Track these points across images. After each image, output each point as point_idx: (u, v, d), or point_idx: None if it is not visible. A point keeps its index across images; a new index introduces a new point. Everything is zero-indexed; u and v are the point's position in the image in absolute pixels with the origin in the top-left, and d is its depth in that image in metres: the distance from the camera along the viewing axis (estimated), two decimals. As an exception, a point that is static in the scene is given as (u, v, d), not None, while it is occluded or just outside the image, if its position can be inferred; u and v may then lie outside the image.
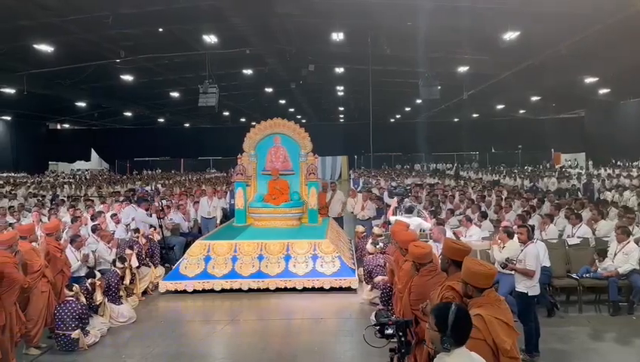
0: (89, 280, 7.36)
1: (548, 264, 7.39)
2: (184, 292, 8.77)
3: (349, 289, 8.70)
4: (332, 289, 8.68)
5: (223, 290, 8.74)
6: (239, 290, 8.71)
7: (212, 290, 8.75)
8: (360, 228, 10.91)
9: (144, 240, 9.77)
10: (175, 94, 30.22)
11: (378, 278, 8.08)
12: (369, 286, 8.44)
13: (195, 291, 8.76)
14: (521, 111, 40.55)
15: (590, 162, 33.40)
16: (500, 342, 3.03)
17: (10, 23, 14.83)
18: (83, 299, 6.94)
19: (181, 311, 8.18)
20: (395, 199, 11.82)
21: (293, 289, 8.69)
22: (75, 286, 7.03)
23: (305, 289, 8.69)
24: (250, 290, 8.70)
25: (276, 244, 9.25)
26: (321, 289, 8.68)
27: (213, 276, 8.88)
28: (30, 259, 6.34)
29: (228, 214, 13.67)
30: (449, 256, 4.20)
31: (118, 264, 8.18)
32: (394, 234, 6.41)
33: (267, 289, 8.70)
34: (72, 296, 6.83)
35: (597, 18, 14.40)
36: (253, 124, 12.42)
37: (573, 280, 7.83)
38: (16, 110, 33.38)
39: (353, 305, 8.14)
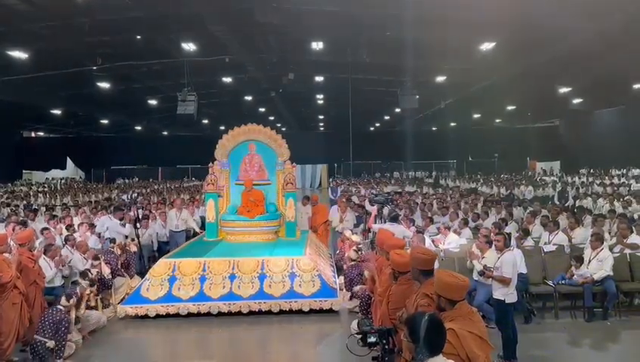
0: (78, 288, 6.95)
1: (525, 271, 7.48)
2: (146, 317, 7.97)
3: (330, 312, 8.02)
4: (312, 312, 8.01)
5: (190, 314, 7.97)
6: (208, 314, 7.98)
7: (177, 315, 7.96)
8: (347, 233, 10.51)
9: (119, 251, 9.62)
10: (153, 102, 29.92)
11: (357, 287, 8.03)
12: (349, 295, 8.42)
13: (157, 316, 7.96)
14: (497, 120, 41.27)
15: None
16: (473, 357, 3.03)
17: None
18: (73, 315, 6.69)
19: (142, 343, 7.45)
20: (376, 207, 11.82)
21: (269, 313, 7.98)
22: (72, 299, 6.68)
23: (282, 312, 7.99)
24: (220, 314, 7.97)
25: (250, 262, 8.48)
26: (299, 312, 8.00)
27: (178, 298, 8.08)
28: (0, 271, 6.18)
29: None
30: (416, 265, 4.32)
31: (81, 281, 7.50)
32: (380, 241, 6.31)
33: (239, 313, 7.97)
34: (63, 307, 6.52)
35: (571, 30, 14.79)
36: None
37: (550, 286, 7.99)
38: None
39: (335, 330, 7.50)
